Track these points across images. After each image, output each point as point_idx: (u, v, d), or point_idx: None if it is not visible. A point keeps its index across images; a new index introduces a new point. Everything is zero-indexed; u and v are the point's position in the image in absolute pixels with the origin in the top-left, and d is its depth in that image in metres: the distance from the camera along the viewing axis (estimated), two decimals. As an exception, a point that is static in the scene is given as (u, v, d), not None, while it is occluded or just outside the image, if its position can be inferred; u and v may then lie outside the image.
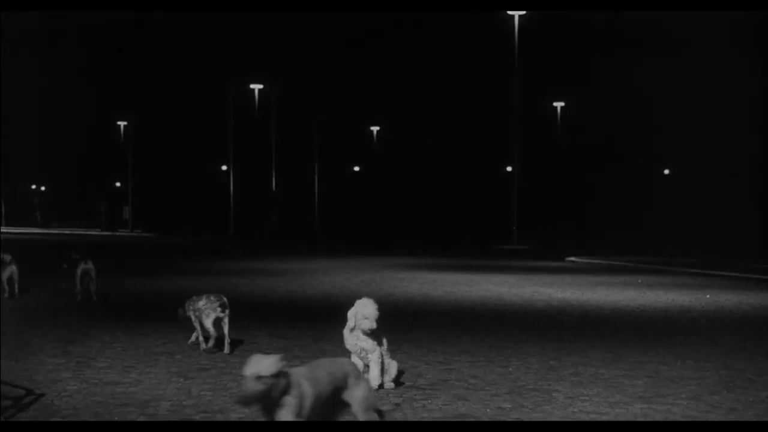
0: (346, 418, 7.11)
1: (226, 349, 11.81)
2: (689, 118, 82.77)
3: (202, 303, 11.90)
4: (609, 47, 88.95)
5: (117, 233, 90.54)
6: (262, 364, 6.72)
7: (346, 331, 9.46)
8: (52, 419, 8.18)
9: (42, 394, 9.13)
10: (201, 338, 11.99)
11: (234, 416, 8.39)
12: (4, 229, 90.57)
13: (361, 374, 7.37)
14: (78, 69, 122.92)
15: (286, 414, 6.80)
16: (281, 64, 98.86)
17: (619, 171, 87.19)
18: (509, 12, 58.88)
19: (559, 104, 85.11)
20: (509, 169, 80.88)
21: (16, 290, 18.73)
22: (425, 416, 8.48)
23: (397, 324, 15.08)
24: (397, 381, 9.78)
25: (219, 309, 11.87)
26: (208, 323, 11.84)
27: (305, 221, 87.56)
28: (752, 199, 66.42)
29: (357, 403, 7.19)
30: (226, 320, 11.89)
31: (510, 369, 11.01)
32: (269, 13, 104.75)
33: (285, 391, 6.69)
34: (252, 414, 8.46)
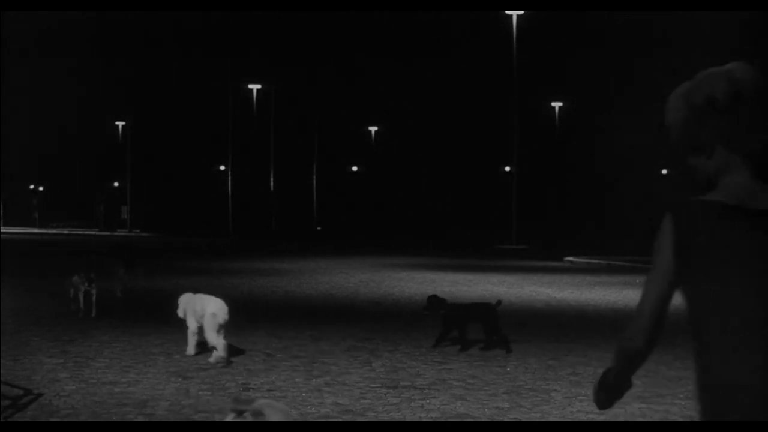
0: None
1: (93, 313, 15.41)
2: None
3: (75, 279, 15.68)
4: (607, 47, 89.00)
5: (115, 233, 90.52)
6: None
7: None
8: (51, 419, 8.17)
9: (40, 394, 9.13)
10: (79, 306, 15.66)
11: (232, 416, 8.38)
12: (2, 230, 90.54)
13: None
14: (77, 69, 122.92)
15: None
16: (279, 64, 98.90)
17: (617, 170, 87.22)
18: (507, 12, 58.90)
19: (557, 104, 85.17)
20: (508, 169, 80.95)
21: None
22: (423, 416, 8.48)
23: (396, 324, 15.09)
24: (397, 382, 9.78)
25: (86, 284, 15.59)
26: (80, 294, 15.62)
27: (303, 221, 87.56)
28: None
29: None
30: (93, 292, 15.65)
31: (508, 369, 11.01)
32: (268, 13, 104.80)
33: None
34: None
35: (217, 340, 10.99)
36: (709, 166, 3.08)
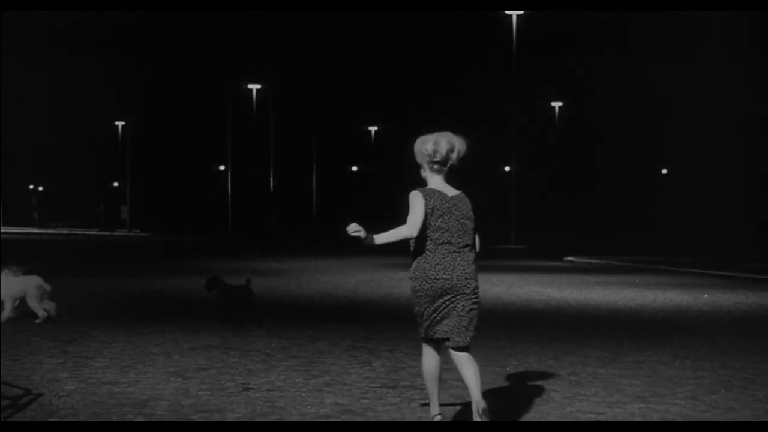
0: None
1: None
2: (688, 117, 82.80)
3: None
4: (607, 47, 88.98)
5: (115, 233, 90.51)
6: None
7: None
8: (50, 419, 8.18)
9: (40, 394, 9.13)
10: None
11: (232, 416, 8.39)
12: (2, 230, 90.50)
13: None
14: (77, 69, 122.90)
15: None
16: (279, 63, 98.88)
17: (617, 170, 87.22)
18: (507, 12, 58.93)
19: (557, 104, 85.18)
20: (507, 168, 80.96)
21: None
22: (423, 416, 8.48)
23: (395, 323, 15.09)
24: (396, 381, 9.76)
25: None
26: None
27: (303, 220, 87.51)
28: (750, 199, 66.46)
29: None
30: None
31: (508, 368, 11.01)
32: (267, 12, 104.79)
33: None
34: (251, 413, 8.47)
35: (44, 305, 14.50)
36: (426, 175, 7.69)
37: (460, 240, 7.63)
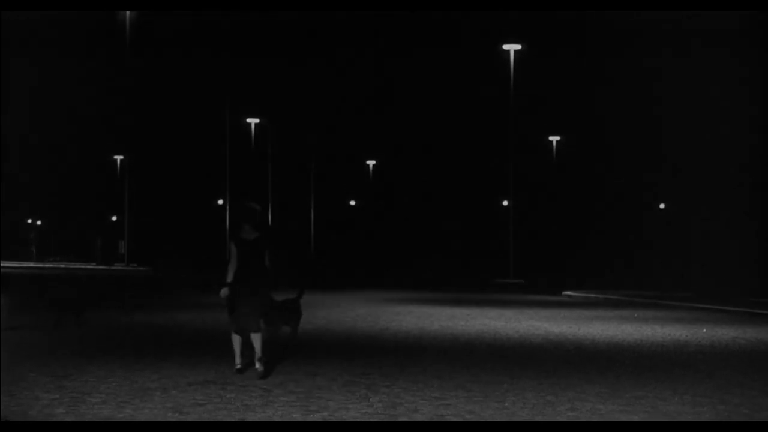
0: None
1: None
2: (685, 152, 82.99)
3: None
4: (605, 82, 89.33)
5: (113, 267, 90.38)
6: None
7: None
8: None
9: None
10: None
11: (229, 452, 8.33)
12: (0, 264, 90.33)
13: None
14: (75, 103, 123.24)
15: None
16: (277, 98, 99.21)
17: (615, 205, 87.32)
18: (505, 47, 59.23)
19: (554, 138, 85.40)
20: (505, 203, 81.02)
21: None
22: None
23: (394, 358, 15.04)
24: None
25: None
26: None
27: (301, 254, 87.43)
28: (748, 234, 66.49)
29: None
30: None
31: (506, 404, 10.97)
32: (266, 48, 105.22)
33: None
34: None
35: None
36: (241, 226, 12.80)
37: (254, 266, 12.70)
